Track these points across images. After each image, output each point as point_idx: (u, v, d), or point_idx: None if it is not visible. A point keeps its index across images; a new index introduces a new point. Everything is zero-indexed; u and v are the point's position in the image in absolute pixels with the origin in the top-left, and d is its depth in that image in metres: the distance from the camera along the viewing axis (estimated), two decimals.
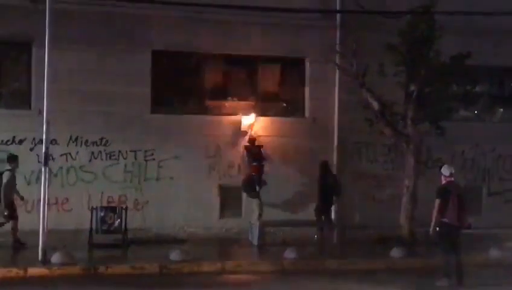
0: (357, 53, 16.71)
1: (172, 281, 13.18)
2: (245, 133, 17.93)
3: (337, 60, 17.82)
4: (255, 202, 16.92)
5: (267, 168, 17.36)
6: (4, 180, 15.50)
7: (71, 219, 16.62)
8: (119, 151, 17.28)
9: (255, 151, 17.61)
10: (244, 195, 17.62)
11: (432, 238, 12.40)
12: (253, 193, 16.96)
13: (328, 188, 17.07)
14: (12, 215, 15.50)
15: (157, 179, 17.47)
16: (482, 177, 19.59)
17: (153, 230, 17.18)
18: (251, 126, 18.00)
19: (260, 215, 16.70)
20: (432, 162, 18.53)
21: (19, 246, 15.34)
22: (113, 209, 16.07)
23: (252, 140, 17.84)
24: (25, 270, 13.18)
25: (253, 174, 17.10)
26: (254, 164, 17.19)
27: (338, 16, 18.46)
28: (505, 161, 19.70)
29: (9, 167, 15.65)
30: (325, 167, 17.29)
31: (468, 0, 17.72)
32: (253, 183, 17.00)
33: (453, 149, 18.94)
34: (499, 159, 19.66)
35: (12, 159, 15.76)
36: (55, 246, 14.17)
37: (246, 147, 17.82)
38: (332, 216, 17.67)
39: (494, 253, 15.24)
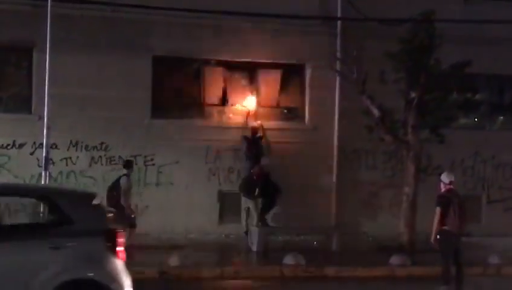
0: (358, 60, 16.72)
1: (171, 287, 13.19)
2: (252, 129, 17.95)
3: (338, 67, 17.82)
4: (251, 205, 16.95)
5: (266, 162, 17.37)
6: (123, 186, 15.00)
7: None
8: (119, 156, 17.29)
9: (254, 142, 17.59)
10: (243, 200, 17.67)
11: (433, 246, 12.38)
12: (252, 195, 16.94)
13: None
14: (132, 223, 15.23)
15: (157, 185, 17.50)
16: (481, 185, 19.60)
17: (152, 235, 17.16)
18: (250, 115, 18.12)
19: (258, 219, 16.77)
20: (432, 169, 18.54)
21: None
22: None
23: (255, 130, 17.84)
24: None
25: (254, 177, 17.11)
26: (255, 169, 17.22)
27: (339, 22, 18.50)
28: (504, 169, 19.71)
29: (125, 172, 15.28)
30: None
31: (469, 8, 17.79)
32: (253, 185, 16.99)
33: (452, 157, 18.95)
34: (499, 167, 19.67)
35: (129, 164, 15.46)
36: None
37: (245, 138, 17.75)
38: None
39: (493, 261, 15.22)
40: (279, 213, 17.74)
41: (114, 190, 15.12)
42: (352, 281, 13.80)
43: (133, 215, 15.35)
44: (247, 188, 17.10)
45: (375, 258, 15.86)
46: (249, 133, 17.89)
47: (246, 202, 17.28)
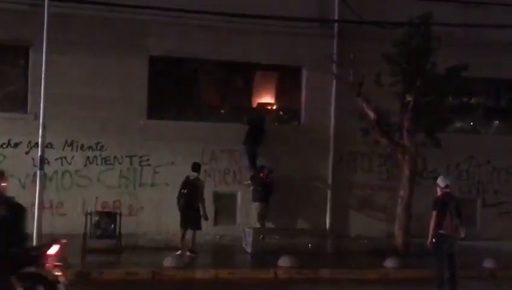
0: (354, 63, 16.75)
1: (165, 288, 13.17)
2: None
3: (334, 69, 17.86)
4: (259, 206, 17.19)
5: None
6: (202, 189, 15.74)
7: (65, 223, 16.58)
8: (115, 157, 17.27)
9: (256, 128, 17.77)
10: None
11: (429, 249, 12.39)
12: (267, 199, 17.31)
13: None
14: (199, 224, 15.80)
15: (152, 185, 17.46)
16: (476, 189, 19.62)
17: (147, 236, 17.14)
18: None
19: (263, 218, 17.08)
20: (427, 173, 18.57)
21: (194, 255, 15.49)
22: (107, 215, 16.03)
23: (261, 117, 17.97)
24: None
25: (268, 180, 17.43)
26: (265, 171, 17.49)
27: (336, 25, 18.50)
28: (499, 173, 19.72)
29: (195, 174, 15.76)
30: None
31: (466, 12, 17.81)
32: (267, 189, 17.38)
33: (448, 160, 18.98)
34: (494, 172, 19.68)
35: (198, 167, 15.97)
36: None
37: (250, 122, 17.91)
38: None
39: (488, 265, 15.24)
40: (274, 213, 17.80)
41: (193, 193, 15.55)
42: (347, 283, 13.80)
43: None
44: (264, 193, 17.38)
45: (369, 260, 15.88)
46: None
47: (259, 206, 17.42)
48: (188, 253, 15.49)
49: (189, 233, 15.70)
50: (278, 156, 18.06)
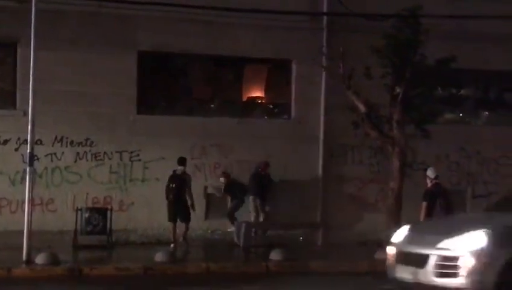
0: (344, 55, 16.74)
1: (157, 283, 13.17)
2: None
3: (324, 62, 17.85)
4: (254, 203, 17.35)
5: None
6: (190, 183, 16.12)
7: (56, 220, 16.58)
8: (105, 152, 17.24)
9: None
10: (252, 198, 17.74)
11: None
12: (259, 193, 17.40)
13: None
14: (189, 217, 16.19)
15: (143, 180, 17.44)
16: (466, 180, 19.68)
17: (138, 231, 17.13)
18: None
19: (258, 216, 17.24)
20: (417, 164, 18.60)
21: (186, 244, 15.96)
22: (98, 210, 16.03)
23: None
24: (9, 270, 13.12)
25: (262, 171, 17.47)
26: (261, 164, 17.54)
27: (325, 18, 18.51)
28: (489, 164, 19.80)
29: (182, 168, 16.11)
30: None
31: (455, 4, 17.84)
32: (262, 182, 17.41)
33: (437, 152, 19.02)
34: (484, 163, 19.75)
35: (185, 160, 16.35)
36: (39, 247, 14.11)
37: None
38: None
39: None
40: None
41: (182, 187, 16.02)
42: (338, 275, 13.84)
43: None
44: (259, 186, 17.44)
45: (360, 253, 15.92)
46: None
47: (254, 200, 17.46)
48: (181, 239, 15.82)
49: (180, 227, 15.81)
50: (268, 150, 18.05)
